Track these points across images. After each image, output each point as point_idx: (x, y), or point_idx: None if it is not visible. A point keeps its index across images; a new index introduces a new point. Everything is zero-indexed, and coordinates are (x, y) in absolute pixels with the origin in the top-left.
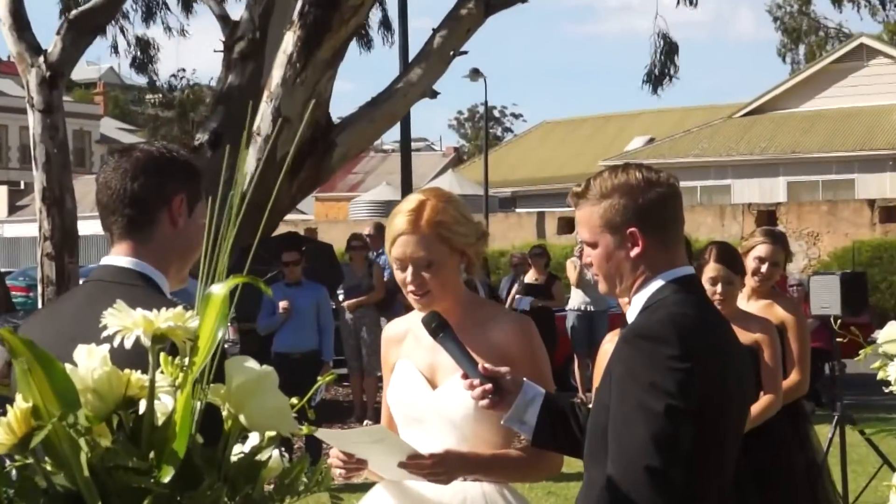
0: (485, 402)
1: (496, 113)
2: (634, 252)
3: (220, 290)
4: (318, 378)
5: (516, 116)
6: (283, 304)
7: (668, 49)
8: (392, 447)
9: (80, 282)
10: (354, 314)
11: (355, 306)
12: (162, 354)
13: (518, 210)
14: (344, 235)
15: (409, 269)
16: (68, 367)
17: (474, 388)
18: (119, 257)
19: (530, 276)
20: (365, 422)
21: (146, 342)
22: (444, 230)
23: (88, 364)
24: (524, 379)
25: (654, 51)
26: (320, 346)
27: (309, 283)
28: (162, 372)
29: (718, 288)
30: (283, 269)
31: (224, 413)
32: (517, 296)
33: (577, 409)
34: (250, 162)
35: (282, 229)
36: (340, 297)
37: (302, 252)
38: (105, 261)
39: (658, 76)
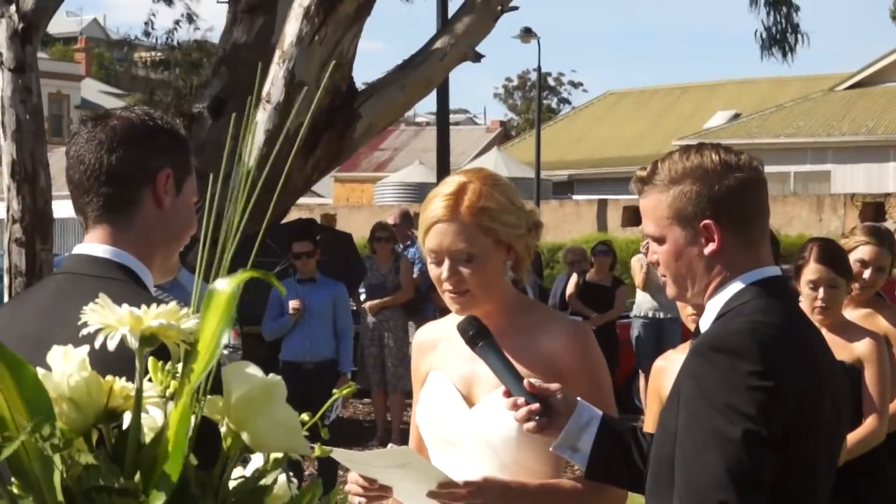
0: (530, 424)
1: (551, 81)
2: (709, 249)
3: (226, 286)
4: (334, 391)
5: (575, 85)
6: (293, 304)
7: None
8: (421, 473)
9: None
10: (378, 317)
11: (379, 308)
12: (151, 359)
13: (575, 197)
14: (367, 223)
15: (446, 264)
16: (40, 371)
17: (518, 408)
18: (94, 245)
19: (592, 276)
20: (389, 445)
21: (133, 343)
22: (488, 219)
23: (64, 368)
24: (578, 398)
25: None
26: (337, 354)
27: (325, 279)
28: (150, 380)
29: (820, 293)
30: (293, 263)
31: (222, 430)
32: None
33: (640, 436)
34: (258, 134)
35: (293, 215)
36: (362, 297)
37: (317, 242)
38: (77, 249)
39: (778, 37)
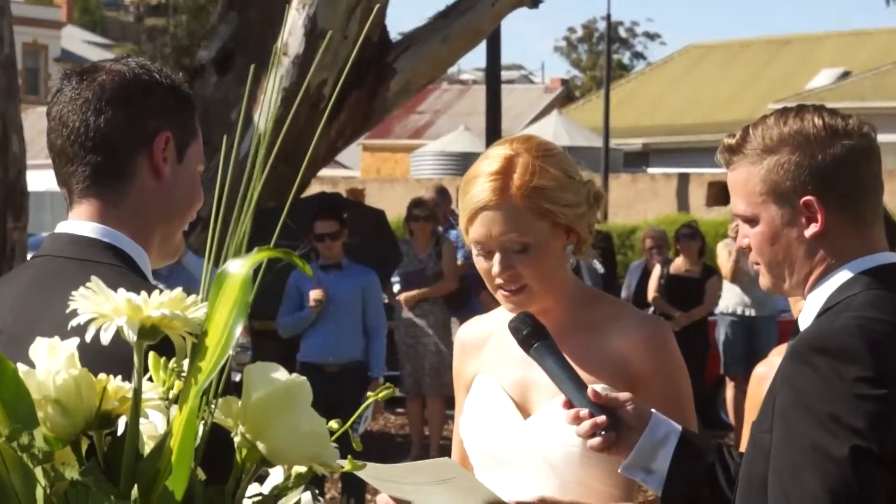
0: (595, 440)
1: (622, 32)
2: (811, 230)
3: (240, 268)
4: (368, 395)
5: (651, 37)
6: (314, 295)
7: None
8: (466, 491)
9: (28, 256)
10: (415, 311)
11: (416, 300)
12: (152, 355)
13: (651, 170)
14: (402, 200)
15: (497, 256)
16: (21, 368)
17: (581, 421)
18: (80, 223)
19: (678, 267)
20: None
21: (131, 336)
22: (543, 200)
23: (49, 365)
24: (652, 410)
25: None
26: (366, 355)
27: (352, 265)
28: (150, 379)
29: None
30: (315, 246)
31: (237, 439)
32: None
33: (727, 455)
34: (273, 93)
35: (314, 189)
36: (396, 288)
37: (343, 221)
38: (60, 228)
39: None
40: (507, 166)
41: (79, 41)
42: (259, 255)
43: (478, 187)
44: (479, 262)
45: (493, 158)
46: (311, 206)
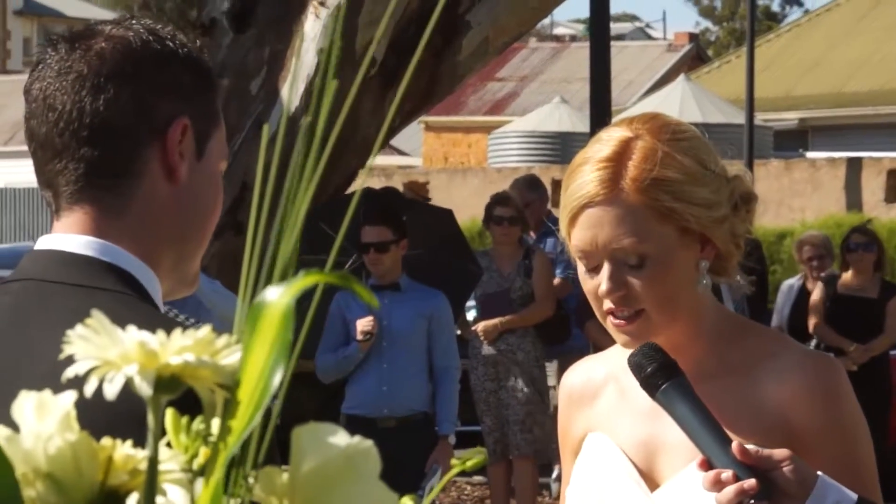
0: None
1: None
2: None
3: (279, 296)
4: (434, 464)
5: None
6: (363, 326)
7: None
8: None
9: None
10: (498, 346)
11: (499, 331)
12: (170, 413)
13: (810, 154)
14: (480, 197)
15: (605, 270)
16: (1, 432)
17: (723, 486)
18: (70, 237)
19: (847, 284)
20: None
21: (145, 390)
22: (667, 195)
23: (39, 427)
24: (819, 473)
25: None
26: (433, 405)
27: (414, 285)
28: (170, 444)
29: None
30: (362, 259)
31: None
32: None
33: None
34: (307, 56)
35: (360, 184)
36: (472, 315)
37: (401, 226)
38: (44, 243)
39: None
40: (622, 151)
41: None
42: (305, 280)
43: (583, 177)
44: (585, 280)
45: (605, 142)
46: (358, 206)
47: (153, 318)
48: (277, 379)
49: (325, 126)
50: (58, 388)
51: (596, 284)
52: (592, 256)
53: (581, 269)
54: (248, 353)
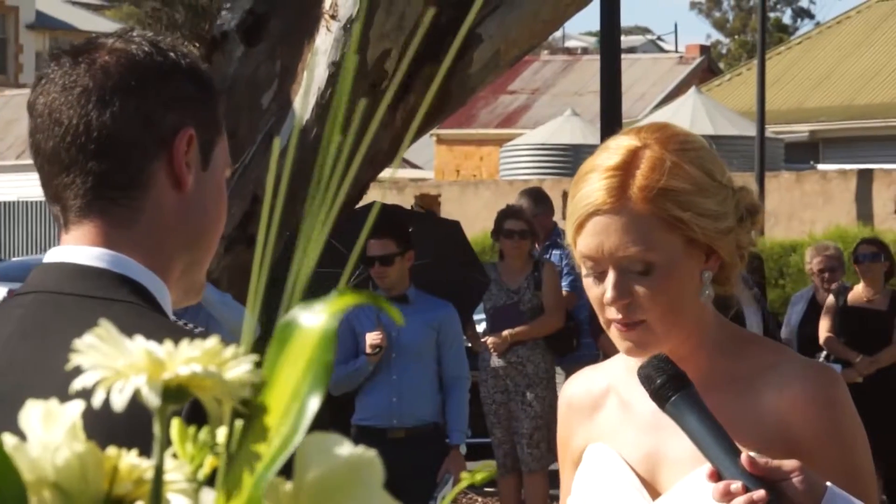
0: None
1: None
2: None
3: (318, 319)
4: (446, 474)
5: None
6: (372, 339)
7: None
8: None
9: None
10: (507, 358)
11: (509, 343)
12: (177, 423)
13: (821, 166)
14: (491, 210)
15: (610, 278)
16: (9, 440)
17: (732, 497)
18: (80, 248)
19: (857, 296)
20: None
21: (152, 400)
22: (674, 206)
23: (46, 437)
24: (827, 483)
25: None
26: (443, 416)
27: (423, 297)
28: (176, 455)
29: None
30: (369, 272)
31: None
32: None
33: None
34: (318, 68)
35: (374, 196)
36: (481, 328)
37: (406, 238)
38: (54, 256)
39: None
40: (630, 160)
41: (58, 2)
42: (343, 301)
43: (589, 186)
44: (590, 287)
45: (612, 150)
46: (362, 220)
47: (167, 329)
48: (316, 404)
49: (352, 143)
50: (66, 398)
51: (601, 292)
52: (599, 264)
53: (586, 275)
54: (276, 375)
